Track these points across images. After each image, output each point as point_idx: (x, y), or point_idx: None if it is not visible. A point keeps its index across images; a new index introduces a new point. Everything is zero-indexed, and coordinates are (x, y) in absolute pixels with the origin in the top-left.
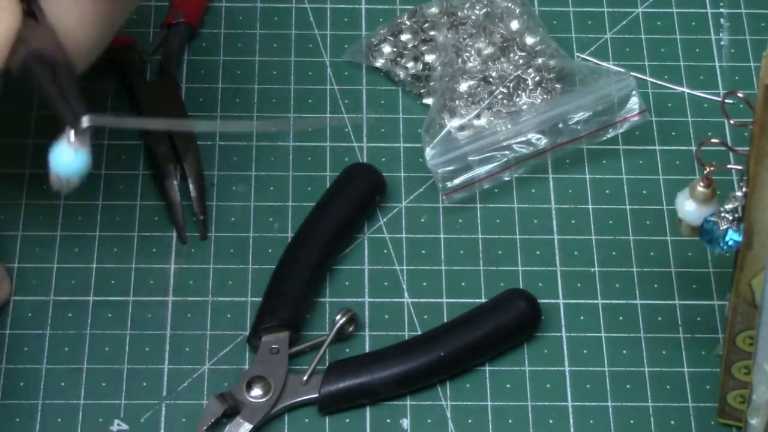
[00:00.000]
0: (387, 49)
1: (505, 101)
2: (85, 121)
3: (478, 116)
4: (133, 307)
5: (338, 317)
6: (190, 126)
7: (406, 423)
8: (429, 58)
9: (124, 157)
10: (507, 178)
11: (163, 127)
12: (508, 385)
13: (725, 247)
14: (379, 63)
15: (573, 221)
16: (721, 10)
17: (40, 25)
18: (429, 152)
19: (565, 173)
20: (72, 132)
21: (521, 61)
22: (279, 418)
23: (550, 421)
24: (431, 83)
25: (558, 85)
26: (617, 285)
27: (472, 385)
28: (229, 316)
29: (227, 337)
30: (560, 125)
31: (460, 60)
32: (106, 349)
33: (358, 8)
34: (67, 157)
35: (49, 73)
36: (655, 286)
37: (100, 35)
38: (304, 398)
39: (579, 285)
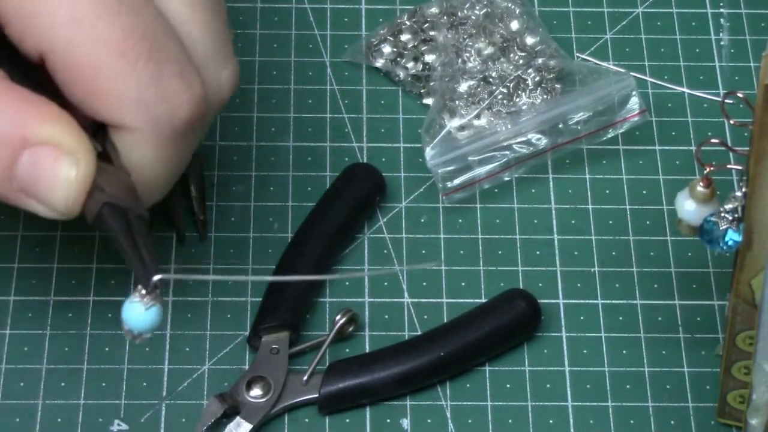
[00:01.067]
0: (387, 49)
1: (505, 101)
2: (158, 278)
3: (478, 116)
4: None
5: (338, 317)
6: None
7: (406, 423)
8: (429, 58)
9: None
10: (507, 178)
11: (243, 280)
12: (508, 385)
13: (725, 247)
14: (379, 63)
15: (573, 221)
16: (721, 10)
17: (113, 168)
18: (429, 152)
19: (565, 173)
20: (143, 290)
21: (521, 61)
22: (279, 418)
23: (551, 421)
24: (431, 83)
25: (558, 85)
26: (617, 285)
27: (472, 385)
28: (229, 316)
29: (227, 337)
30: (560, 125)
31: (460, 60)
32: (106, 349)
33: (358, 8)
34: (139, 313)
35: (123, 224)
36: (655, 286)
37: (175, 171)
38: (304, 398)
39: (579, 285)
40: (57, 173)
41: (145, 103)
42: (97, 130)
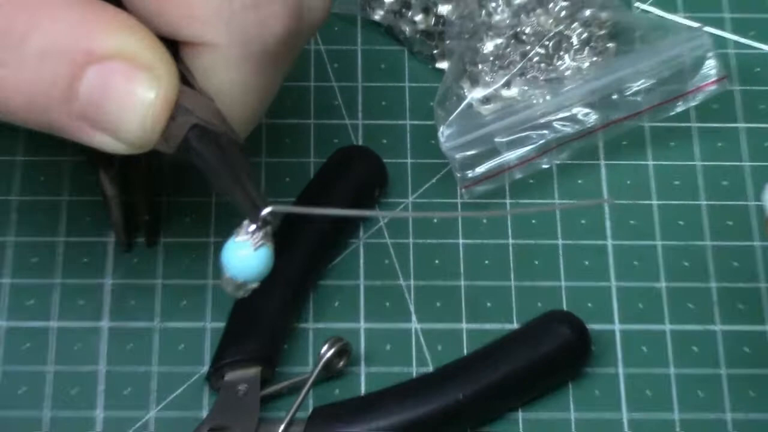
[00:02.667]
0: None
1: (542, 65)
2: (268, 211)
3: (507, 85)
4: (58, 335)
5: (325, 348)
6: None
7: None
8: (443, 9)
9: (41, 141)
10: (545, 166)
11: (353, 215)
12: None
13: None
14: (379, 16)
15: (632, 222)
16: None
17: (194, 91)
18: (444, 132)
19: (621, 159)
20: (252, 225)
21: (563, 13)
22: None
23: None
24: (446, 42)
25: (611, 45)
26: (690, 305)
27: None
28: (182, 346)
29: (179, 374)
30: (614, 96)
31: (483, 12)
32: (19, 392)
33: None
34: (246, 256)
35: (217, 151)
36: (740, 306)
37: (261, 105)
38: None
39: (640, 306)
40: (131, 92)
41: (232, 12)
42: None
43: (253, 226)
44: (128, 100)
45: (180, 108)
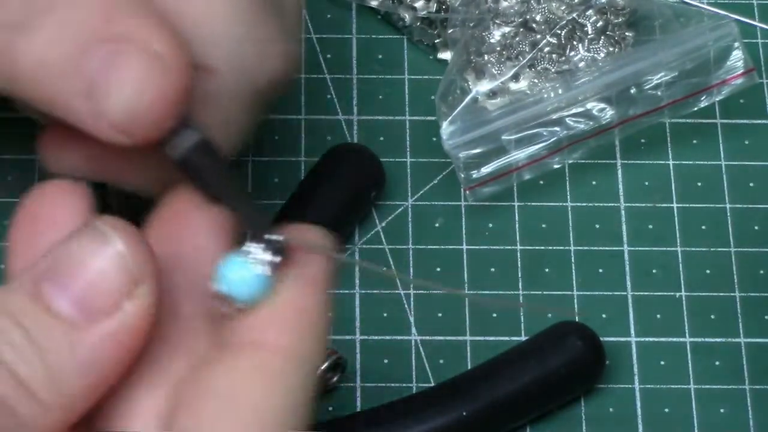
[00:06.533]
0: None
1: (554, 56)
2: (278, 238)
3: (515, 77)
4: None
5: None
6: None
7: None
8: None
9: (14, 134)
10: (557, 166)
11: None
12: None
13: None
14: (376, 1)
15: (650, 226)
16: None
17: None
18: (447, 128)
19: (639, 158)
20: (258, 246)
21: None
22: None
23: None
24: (450, 30)
25: (629, 34)
26: (713, 317)
27: None
28: None
29: None
30: (632, 90)
31: None
32: None
33: None
34: (247, 277)
35: (221, 170)
36: (767, 318)
37: (233, 138)
38: None
39: (659, 316)
40: (133, 75)
41: (240, 42)
42: None
43: (259, 248)
44: (128, 82)
45: (185, 117)
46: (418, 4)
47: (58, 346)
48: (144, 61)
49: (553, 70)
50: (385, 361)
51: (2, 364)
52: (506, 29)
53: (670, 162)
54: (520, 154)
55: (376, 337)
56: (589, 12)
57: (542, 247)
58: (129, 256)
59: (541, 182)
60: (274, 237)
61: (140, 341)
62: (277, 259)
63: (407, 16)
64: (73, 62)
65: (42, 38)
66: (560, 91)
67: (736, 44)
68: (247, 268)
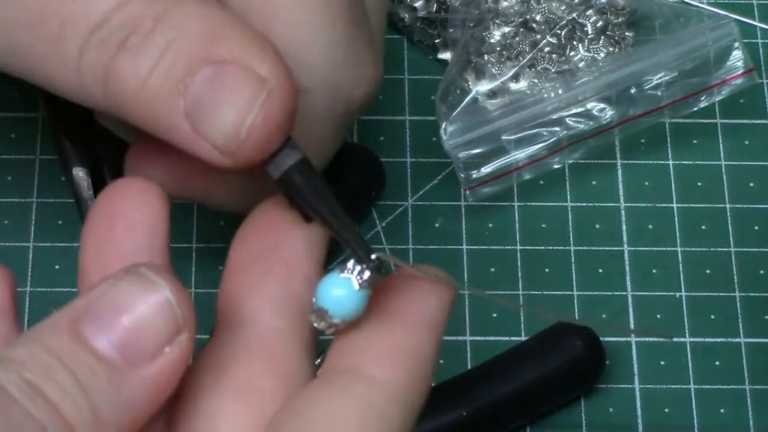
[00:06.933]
0: None
1: (554, 56)
2: (377, 257)
3: (515, 78)
4: None
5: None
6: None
7: None
8: None
9: (14, 135)
10: (557, 166)
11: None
12: None
13: None
14: None
15: (650, 226)
16: None
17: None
18: (447, 128)
19: (639, 158)
20: (363, 269)
21: None
22: None
23: None
24: (450, 30)
25: (629, 34)
26: (713, 317)
27: None
28: None
29: None
30: (632, 90)
31: None
32: None
33: None
34: (348, 295)
35: (322, 187)
36: (767, 318)
37: (320, 158)
38: None
39: (659, 317)
40: (235, 98)
41: (332, 64)
42: None
43: (359, 267)
44: (233, 105)
45: (288, 140)
46: (418, 4)
47: (103, 388)
48: (250, 85)
49: (553, 70)
50: None
51: (50, 404)
52: (506, 29)
53: (670, 162)
54: (520, 154)
55: None
56: (589, 12)
57: (542, 247)
58: (176, 303)
59: (541, 182)
60: (374, 256)
61: (175, 384)
62: (376, 278)
63: (407, 16)
64: (177, 84)
65: (147, 58)
66: (560, 91)
67: (736, 44)
68: (347, 285)
